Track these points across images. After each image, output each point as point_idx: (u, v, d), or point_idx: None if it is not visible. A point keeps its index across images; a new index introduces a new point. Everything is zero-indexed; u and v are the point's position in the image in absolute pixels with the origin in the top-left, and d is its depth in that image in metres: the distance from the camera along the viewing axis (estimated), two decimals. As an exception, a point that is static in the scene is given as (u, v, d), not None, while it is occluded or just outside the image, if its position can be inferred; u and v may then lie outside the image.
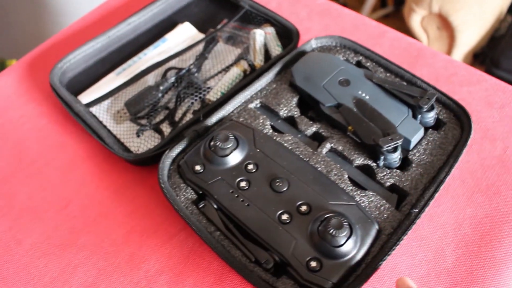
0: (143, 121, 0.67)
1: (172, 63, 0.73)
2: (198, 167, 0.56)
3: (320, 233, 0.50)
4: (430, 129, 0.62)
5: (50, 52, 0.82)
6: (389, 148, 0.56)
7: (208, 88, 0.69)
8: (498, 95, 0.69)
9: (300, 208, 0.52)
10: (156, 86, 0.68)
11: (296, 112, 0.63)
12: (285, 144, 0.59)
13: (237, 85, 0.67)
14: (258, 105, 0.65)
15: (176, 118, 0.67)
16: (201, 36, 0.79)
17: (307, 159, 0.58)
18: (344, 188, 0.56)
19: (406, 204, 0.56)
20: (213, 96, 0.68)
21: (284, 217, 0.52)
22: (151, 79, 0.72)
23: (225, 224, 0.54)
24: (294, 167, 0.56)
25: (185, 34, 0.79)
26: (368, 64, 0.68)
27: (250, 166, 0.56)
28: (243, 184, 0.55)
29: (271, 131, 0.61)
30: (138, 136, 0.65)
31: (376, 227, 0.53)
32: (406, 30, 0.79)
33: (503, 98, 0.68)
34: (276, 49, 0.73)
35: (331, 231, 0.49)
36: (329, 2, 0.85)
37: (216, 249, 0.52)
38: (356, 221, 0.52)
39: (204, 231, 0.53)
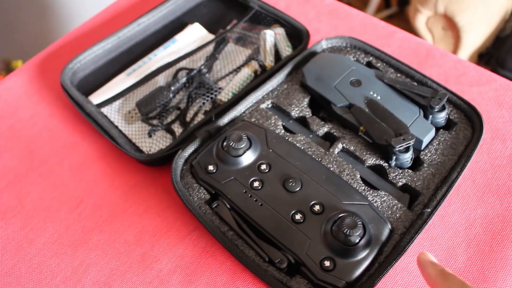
0: (154, 122, 0.67)
1: (182, 63, 0.74)
2: (211, 167, 0.57)
3: (333, 232, 0.50)
4: (441, 129, 0.62)
5: (60, 53, 0.82)
6: (401, 148, 0.56)
7: (220, 88, 0.69)
8: (508, 95, 0.69)
9: (313, 208, 0.53)
10: (168, 86, 0.68)
11: (307, 113, 0.63)
12: (297, 144, 0.59)
13: (248, 85, 0.68)
14: (270, 106, 0.65)
15: (188, 119, 0.67)
16: (210, 36, 0.79)
17: (320, 159, 0.58)
18: (357, 188, 0.56)
19: (418, 204, 0.56)
20: (224, 96, 0.68)
21: (298, 216, 0.52)
22: (161, 80, 0.72)
23: (238, 224, 0.54)
24: (307, 167, 0.56)
25: (195, 34, 0.79)
26: (379, 64, 0.68)
27: (263, 166, 0.56)
28: (256, 184, 0.55)
29: (283, 131, 0.61)
30: (150, 136, 0.65)
31: (389, 226, 0.53)
32: (410, 30, 0.79)
33: (513, 98, 0.69)
34: (286, 50, 0.73)
35: (345, 231, 0.49)
36: (337, 3, 0.85)
37: (230, 248, 0.52)
38: (369, 220, 0.52)
39: (218, 231, 0.54)
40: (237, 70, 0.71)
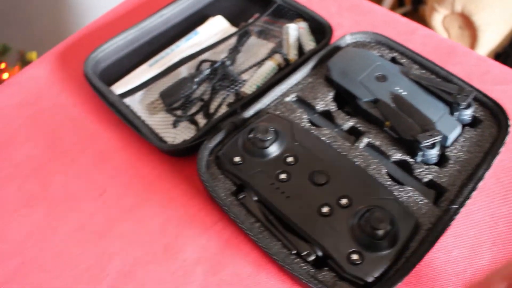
0: (178, 112, 0.67)
1: (205, 55, 0.74)
2: (237, 159, 0.57)
3: (361, 226, 0.50)
4: (467, 127, 0.62)
5: (81, 43, 0.82)
6: (427, 144, 0.56)
7: (243, 81, 0.69)
8: (532, 94, 0.69)
9: (340, 201, 0.53)
10: (191, 77, 0.68)
11: (332, 107, 0.63)
12: (323, 138, 0.59)
13: (272, 78, 0.67)
14: (295, 99, 0.65)
15: (211, 110, 0.67)
16: (233, 29, 0.79)
17: (345, 153, 0.58)
18: (382, 182, 0.56)
19: (444, 200, 0.56)
20: (248, 89, 0.68)
21: (325, 209, 0.52)
22: (184, 71, 0.72)
23: (265, 215, 0.54)
24: (333, 161, 0.56)
25: (217, 27, 0.79)
26: (403, 60, 0.68)
27: (290, 159, 0.56)
28: (283, 176, 0.55)
29: (308, 124, 0.61)
30: (175, 126, 0.65)
31: (415, 222, 0.53)
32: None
33: (538, 97, 0.68)
34: (309, 44, 0.73)
35: (373, 224, 0.49)
36: (359, -2, 0.85)
37: (257, 240, 0.52)
38: (396, 215, 0.52)
39: (246, 222, 0.54)
40: (260, 63, 0.71)
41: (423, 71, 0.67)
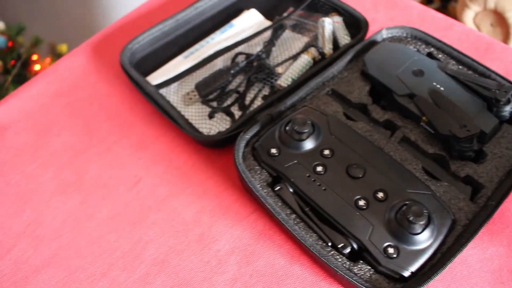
0: (213, 104, 0.68)
1: (240, 48, 0.74)
2: (274, 150, 0.57)
3: (398, 220, 0.50)
4: (505, 123, 0.61)
5: (116, 34, 0.83)
6: (465, 139, 0.56)
7: (279, 74, 0.69)
8: None
9: (377, 195, 0.53)
10: (227, 69, 0.68)
11: (368, 101, 0.63)
12: (359, 132, 0.59)
13: (308, 71, 0.67)
14: (330, 92, 0.65)
15: (246, 102, 0.67)
16: (267, 23, 0.79)
17: (381, 147, 0.58)
18: (419, 177, 0.56)
19: (482, 197, 0.55)
20: (283, 82, 0.68)
21: (361, 202, 0.52)
22: (220, 63, 0.73)
23: (301, 207, 0.54)
24: (369, 154, 0.56)
25: (251, 20, 0.80)
26: (440, 55, 0.67)
27: (326, 152, 0.56)
28: (319, 168, 0.55)
29: (344, 118, 0.61)
30: (211, 117, 0.66)
31: (452, 217, 0.53)
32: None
33: None
34: (344, 38, 0.73)
35: (410, 218, 0.49)
36: (395, -7, 0.84)
37: (294, 231, 0.52)
38: (432, 210, 0.52)
39: (282, 213, 0.54)
40: (295, 56, 0.71)
41: (460, 67, 0.66)
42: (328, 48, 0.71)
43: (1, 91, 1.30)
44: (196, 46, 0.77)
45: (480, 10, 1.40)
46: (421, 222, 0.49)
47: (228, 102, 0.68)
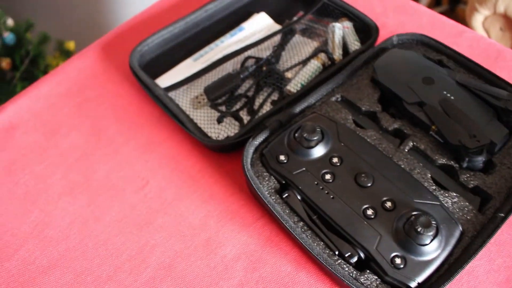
0: (222, 108, 0.68)
1: (249, 52, 0.74)
2: (282, 157, 0.57)
3: (406, 230, 0.50)
4: (515, 133, 0.60)
5: (126, 35, 0.83)
6: (475, 150, 0.56)
7: (288, 79, 0.69)
8: None
9: (385, 204, 0.53)
10: (237, 73, 0.68)
11: (377, 108, 0.63)
12: (368, 140, 0.59)
13: (317, 77, 0.67)
14: (340, 99, 0.65)
15: (255, 107, 0.67)
16: (277, 26, 0.79)
17: (390, 156, 0.58)
18: (427, 187, 0.56)
19: (490, 208, 0.55)
20: (293, 87, 0.68)
21: (369, 212, 0.52)
22: (229, 67, 0.73)
23: (308, 215, 0.54)
24: (378, 163, 0.56)
25: (261, 24, 0.79)
26: (450, 64, 0.67)
27: (335, 159, 0.56)
28: (328, 176, 0.55)
29: (353, 125, 0.61)
30: (220, 122, 0.66)
31: (460, 228, 0.52)
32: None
33: None
34: (354, 44, 0.73)
35: (418, 229, 0.49)
36: (405, -1, 0.84)
37: (300, 239, 0.52)
38: (440, 221, 0.51)
39: (289, 221, 0.54)
40: (305, 61, 0.71)
41: (471, 75, 0.66)
42: (338, 54, 0.71)
43: (9, 88, 1.30)
44: (206, 49, 0.77)
45: (490, 14, 1.39)
46: (429, 233, 0.49)
47: (237, 106, 0.68)
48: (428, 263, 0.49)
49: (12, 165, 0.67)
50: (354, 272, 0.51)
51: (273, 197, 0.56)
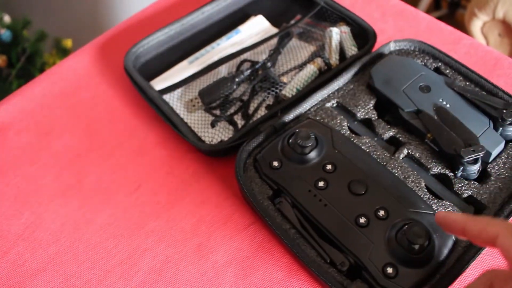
0: (216, 112, 0.67)
1: (245, 55, 0.73)
2: (275, 163, 0.56)
3: (398, 239, 0.49)
4: (511, 143, 0.60)
5: (121, 36, 0.83)
6: (470, 159, 0.55)
7: (284, 83, 0.69)
8: None
9: (378, 213, 0.52)
10: (232, 77, 0.68)
11: (373, 115, 0.63)
12: (363, 147, 0.59)
13: (313, 82, 0.67)
14: (335, 105, 0.64)
15: (249, 111, 0.67)
16: (274, 30, 0.79)
17: (385, 163, 0.58)
18: (421, 196, 0.55)
19: (484, 218, 0.54)
20: (288, 92, 0.67)
21: (362, 220, 0.52)
22: (224, 70, 0.72)
23: (300, 222, 0.54)
24: (372, 171, 0.55)
25: (258, 27, 0.79)
26: (447, 71, 0.67)
27: (328, 167, 0.56)
28: (321, 184, 0.54)
29: (348, 132, 0.61)
30: (213, 126, 0.65)
31: (453, 238, 0.52)
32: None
33: None
34: (351, 49, 0.72)
35: (410, 239, 0.48)
36: (404, 4, 0.84)
37: (291, 246, 0.52)
38: (433, 230, 0.51)
39: (280, 228, 0.53)
40: (301, 66, 0.71)
41: (467, 83, 0.65)
42: (334, 59, 0.71)
43: (5, 85, 1.29)
44: (202, 51, 0.76)
45: (488, 19, 1.39)
46: (421, 243, 0.48)
47: (232, 110, 0.67)
48: (420, 273, 0.49)
49: (4, 165, 0.67)
50: (346, 281, 0.50)
51: (265, 203, 0.55)
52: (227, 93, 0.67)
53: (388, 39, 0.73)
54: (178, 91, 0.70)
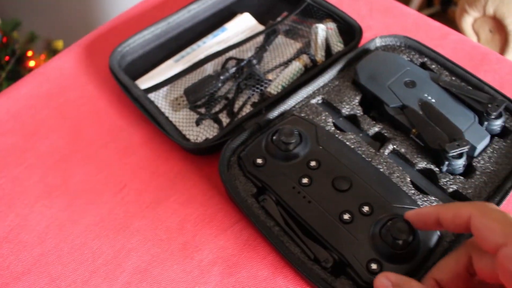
0: (201, 110, 0.67)
1: (231, 53, 0.73)
2: (259, 161, 0.56)
3: (382, 235, 0.49)
4: (496, 137, 0.60)
5: (108, 35, 0.82)
6: (455, 154, 0.55)
7: (269, 80, 0.68)
8: None
9: (362, 209, 0.52)
10: (217, 75, 0.67)
11: (358, 111, 0.62)
12: (347, 143, 0.58)
13: (298, 79, 0.67)
14: (320, 101, 0.64)
15: (235, 109, 0.66)
16: (260, 27, 0.78)
17: (370, 159, 0.57)
18: (406, 191, 0.55)
19: (469, 212, 0.54)
20: (273, 89, 0.67)
21: (346, 216, 0.51)
22: (210, 68, 0.72)
23: (284, 219, 0.53)
24: (357, 167, 0.55)
25: (244, 24, 0.79)
26: (433, 66, 0.66)
27: (313, 163, 0.55)
28: (305, 180, 0.54)
29: (333, 128, 0.60)
30: (198, 124, 0.65)
31: (438, 233, 0.52)
32: (453, 30, 0.78)
33: None
34: (337, 45, 0.72)
35: (394, 235, 0.48)
36: (391, 0, 0.83)
37: (275, 244, 0.52)
38: (418, 225, 0.51)
39: (264, 225, 0.53)
40: (286, 63, 0.70)
41: (453, 78, 0.65)
42: (320, 56, 0.70)
43: (-5, 88, 1.29)
44: (188, 49, 0.76)
45: (479, 16, 1.39)
46: (405, 238, 0.48)
47: (217, 108, 0.67)
48: (404, 268, 0.49)
49: (-12, 167, 0.67)
50: (330, 278, 0.50)
51: (249, 201, 0.55)
52: (212, 91, 0.67)
53: (375, 35, 0.72)
54: (164, 90, 0.70)
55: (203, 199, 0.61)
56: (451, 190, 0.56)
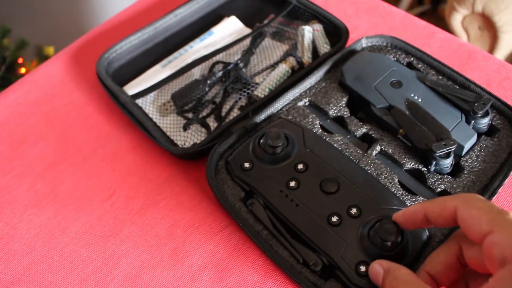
0: (189, 115, 0.67)
1: (218, 57, 0.73)
2: (247, 164, 0.56)
3: (370, 237, 0.49)
4: (483, 136, 0.60)
5: (95, 42, 0.82)
6: (442, 153, 0.55)
7: (256, 84, 0.68)
8: (553, 103, 0.67)
9: (350, 211, 0.52)
10: (204, 80, 0.67)
11: (345, 112, 0.62)
12: (335, 145, 0.58)
13: (285, 82, 0.67)
14: (307, 104, 0.64)
15: (222, 113, 0.66)
16: (247, 30, 0.78)
17: (357, 160, 0.57)
18: (395, 192, 0.55)
19: (458, 212, 0.54)
20: (261, 92, 0.67)
21: (334, 219, 0.51)
22: (197, 73, 0.72)
23: (273, 223, 0.53)
24: (344, 169, 0.55)
25: (231, 28, 0.79)
26: (420, 65, 0.66)
27: (300, 166, 0.55)
28: (292, 183, 0.54)
29: (320, 130, 0.60)
30: (185, 129, 0.65)
31: (427, 233, 0.52)
32: (443, 29, 0.77)
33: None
34: (324, 47, 0.72)
35: (382, 236, 0.48)
36: (377, 0, 0.83)
37: (264, 248, 0.52)
38: (406, 226, 0.51)
39: (252, 229, 0.53)
40: (273, 65, 0.70)
41: (440, 77, 0.65)
42: (306, 57, 0.70)
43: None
44: (175, 54, 0.76)
45: (468, 13, 1.39)
46: (394, 240, 0.48)
47: (204, 113, 0.67)
48: (394, 269, 0.49)
49: (-23, 176, 0.66)
50: (319, 281, 0.50)
51: (237, 206, 0.55)
52: (199, 95, 0.67)
53: (362, 35, 0.72)
54: (151, 95, 0.70)
55: (192, 204, 0.61)
56: (439, 190, 0.56)
